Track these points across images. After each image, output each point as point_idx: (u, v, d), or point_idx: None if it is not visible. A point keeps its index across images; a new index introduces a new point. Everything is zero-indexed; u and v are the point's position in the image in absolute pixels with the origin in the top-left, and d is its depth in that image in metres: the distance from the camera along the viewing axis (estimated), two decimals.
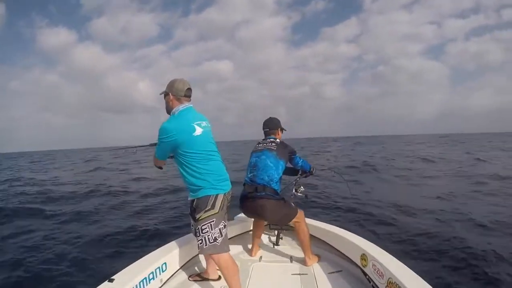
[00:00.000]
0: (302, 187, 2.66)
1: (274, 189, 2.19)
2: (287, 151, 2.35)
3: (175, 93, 1.75)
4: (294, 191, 2.64)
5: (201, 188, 1.70)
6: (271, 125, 2.47)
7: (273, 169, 2.21)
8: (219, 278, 2.04)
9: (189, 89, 1.79)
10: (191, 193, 1.76)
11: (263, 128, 2.49)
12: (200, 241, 1.71)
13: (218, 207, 1.72)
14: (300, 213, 2.33)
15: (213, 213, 1.70)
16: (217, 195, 1.72)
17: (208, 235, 1.69)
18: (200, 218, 1.70)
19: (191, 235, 2.01)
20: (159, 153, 1.75)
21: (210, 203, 1.70)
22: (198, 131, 1.69)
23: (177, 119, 1.72)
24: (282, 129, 2.53)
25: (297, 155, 2.49)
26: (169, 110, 1.81)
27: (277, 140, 2.41)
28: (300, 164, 2.53)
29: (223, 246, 1.74)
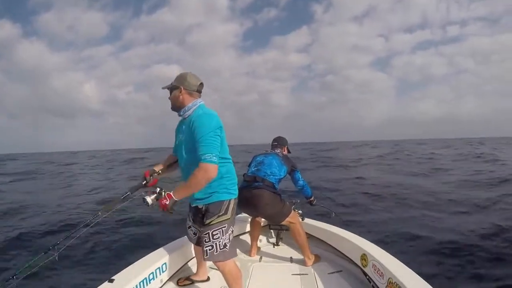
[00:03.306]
0: (300, 211, 2.73)
1: (272, 182, 2.28)
2: (290, 163, 2.53)
3: (187, 87, 1.57)
4: None
5: (215, 192, 1.58)
6: (280, 141, 2.72)
7: (277, 169, 2.37)
8: (208, 279, 2.03)
9: (202, 84, 1.63)
10: (197, 200, 1.62)
11: (272, 142, 2.74)
12: (210, 247, 1.58)
13: (231, 213, 1.62)
14: (295, 214, 2.38)
15: (225, 218, 1.60)
16: (230, 200, 1.62)
17: (219, 241, 1.58)
18: (212, 223, 1.58)
19: None
20: (216, 150, 1.43)
21: (224, 208, 1.59)
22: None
23: (213, 113, 1.54)
24: (288, 149, 2.74)
25: (298, 171, 2.57)
26: (178, 106, 1.60)
27: (284, 152, 2.65)
28: (300, 183, 2.58)
29: (231, 252, 1.64)
